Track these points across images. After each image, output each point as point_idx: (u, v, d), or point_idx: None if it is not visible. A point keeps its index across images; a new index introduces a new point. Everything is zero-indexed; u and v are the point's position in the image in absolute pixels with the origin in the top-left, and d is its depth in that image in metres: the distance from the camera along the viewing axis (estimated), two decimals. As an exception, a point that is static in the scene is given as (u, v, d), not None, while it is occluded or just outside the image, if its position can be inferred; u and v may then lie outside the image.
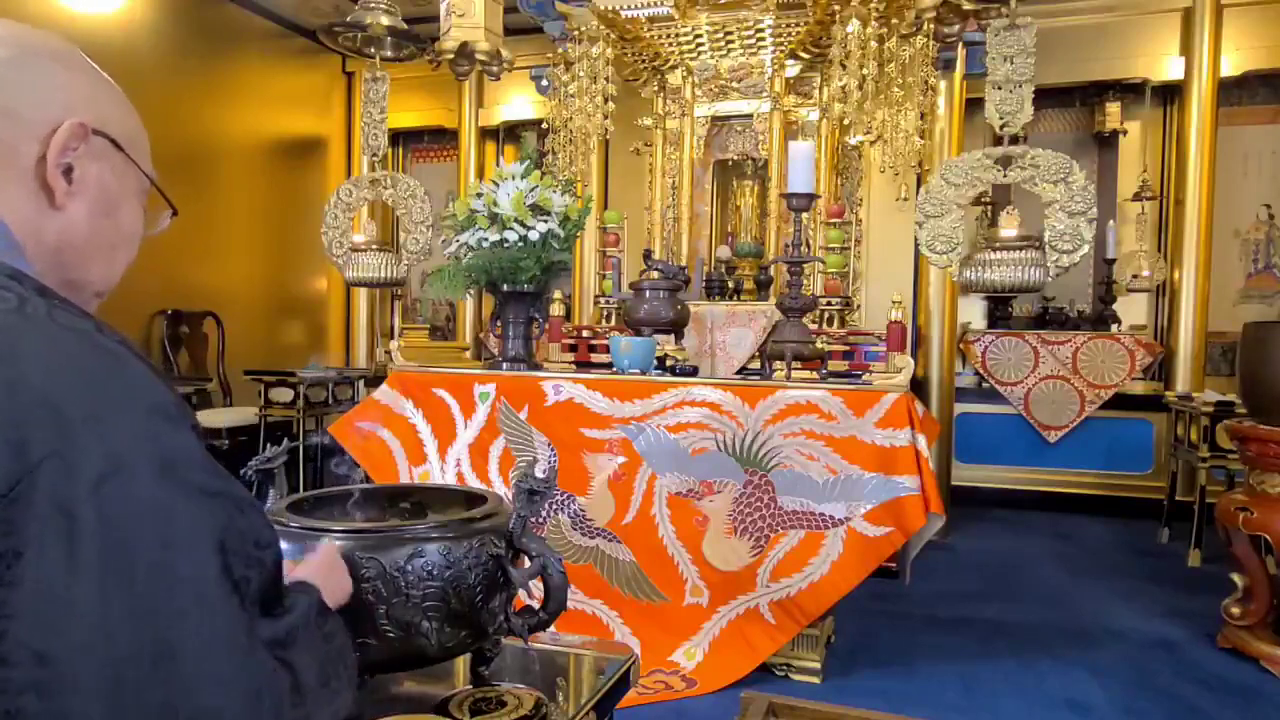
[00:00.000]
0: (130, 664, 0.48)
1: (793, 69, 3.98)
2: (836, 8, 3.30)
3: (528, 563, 1.11)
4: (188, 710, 0.50)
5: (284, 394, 4.55)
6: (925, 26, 3.08)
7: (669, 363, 3.23)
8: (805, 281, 3.38)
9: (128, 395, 0.55)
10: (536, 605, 1.13)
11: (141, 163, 0.80)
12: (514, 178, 2.85)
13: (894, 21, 3.20)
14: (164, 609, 0.50)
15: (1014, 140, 2.79)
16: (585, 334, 3.83)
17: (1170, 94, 5.27)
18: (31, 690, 0.46)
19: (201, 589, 0.52)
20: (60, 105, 0.72)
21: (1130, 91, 5.39)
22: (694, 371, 3.14)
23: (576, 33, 3.70)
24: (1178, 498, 4.39)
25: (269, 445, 1.34)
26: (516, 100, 5.90)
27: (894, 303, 3.14)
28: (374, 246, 3.85)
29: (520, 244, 2.78)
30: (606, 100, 3.65)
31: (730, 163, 4.35)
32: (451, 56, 3.66)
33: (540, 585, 1.11)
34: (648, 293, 3.13)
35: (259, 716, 0.53)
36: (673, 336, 3.26)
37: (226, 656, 0.52)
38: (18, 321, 0.58)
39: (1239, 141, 5.23)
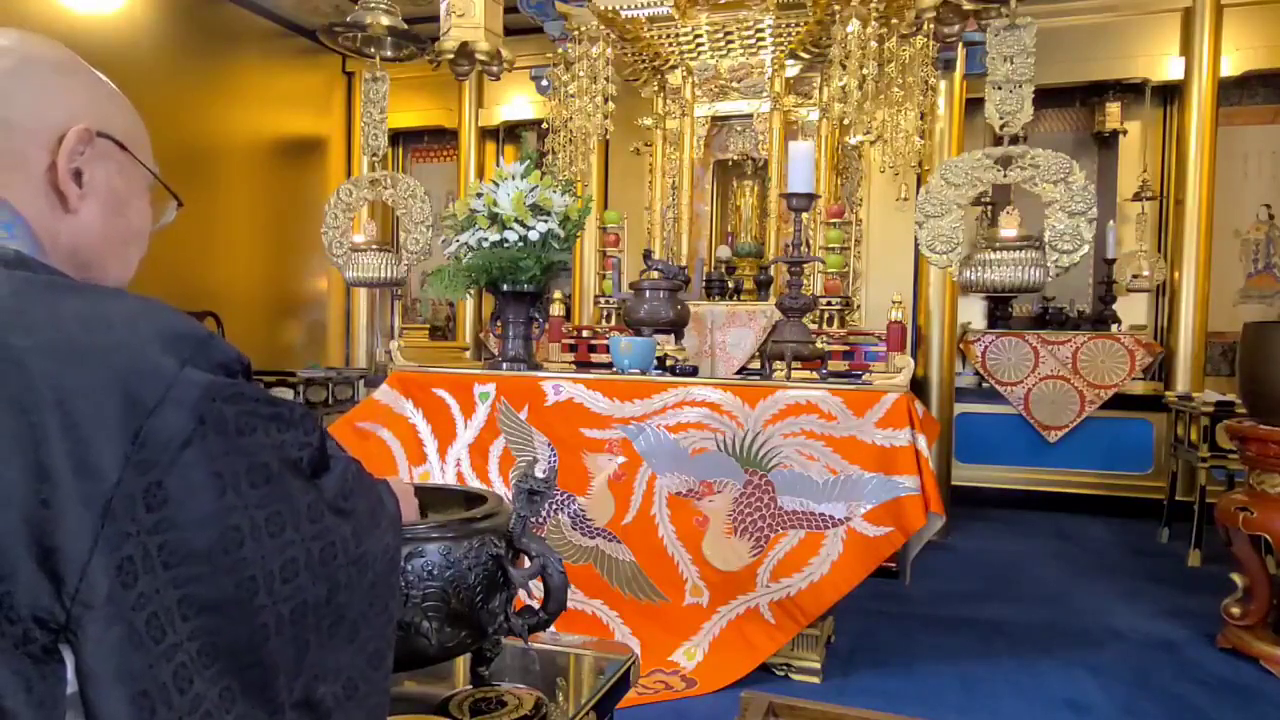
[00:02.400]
0: (254, 540, 0.63)
1: (793, 69, 3.98)
2: (836, 8, 3.30)
3: (528, 563, 1.11)
4: (301, 562, 0.67)
5: (284, 394, 4.55)
6: (925, 26, 3.08)
7: (669, 363, 3.23)
8: (805, 281, 3.38)
9: (208, 343, 0.65)
10: (536, 605, 1.13)
11: (144, 159, 0.83)
12: (514, 178, 2.85)
13: (894, 21, 3.20)
14: (264, 499, 0.64)
15: (1014, 140, 2.79)
16: (585, 334, 3.83)
17: (1170, 94, 5.27)
18: (193, 580, 0.59)
19: (284, 479, 0.67)
20: (64, 111, 0.75)
21: (1130, 91, 5.39)
22: (694, 371, 3.14)
23: (576, 33, 3.70)
24: (1178, 498, 4.39)
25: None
26: (516, 100, 5.90)
27: (894, 303, 3.14)
28: (374, 246, 3.85)
29: (520, 244, 2.78)
30: (606, 100, 3.65)
31: (730, 163, 4.35)
32: (451, 56, 3.65)
33: (540, 585, 1.11)
34: (648, 293, 3.13)
35: (334, 558, 0.71)
36: (673, 336, 3.26)
37: (308, 523, 0.68)
38: (88, 296, 0.65)
39: (1239, 141, 5.23)
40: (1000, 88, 2.79)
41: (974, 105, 4.26)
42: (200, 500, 0.60)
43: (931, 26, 3.06)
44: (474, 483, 2.80)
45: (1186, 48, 4.85)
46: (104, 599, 0.56)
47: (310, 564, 0.68)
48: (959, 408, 4.97)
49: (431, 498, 1.30)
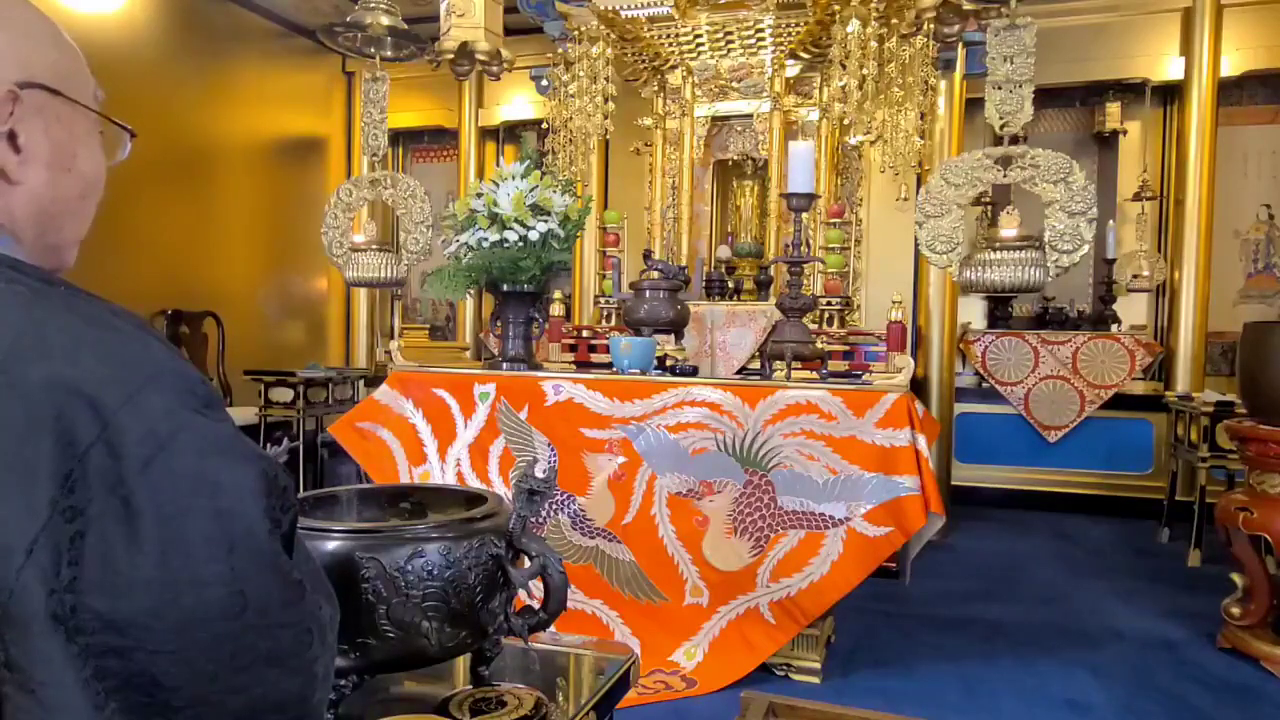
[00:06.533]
0: (198, 625, 0.53)
1: (793, 69, 3.97)
2: (836, 8, 3.29)
3: (528, 563, 1.11)
4: (262, 651, 0.55)
5: (284, 394, 4.55)
6: (925, 26, 3.08)
7: (669, 363, 3.22)
8: (805, 281, 3.38)
9: (156, 377, 0.57)
10: (536, 605, 1.13)
11: (82, 96, 0.72)
12: (514, 178, 2.85)
13: (894, 21, 3.20)
14: (225, 571, 0.54)
15: (1014, 140, 2.79)
16: (585, 334, 3.83)
17: (1170, 94, 5.27)
18: (110, 653, 0.51)
19: (258, 550, 0.56)
20: None
21: (1130, 91, 5.39)
22: (694, 371, 3.14)
23: (576, 33, 3.70)
24: (1178, 498, 4.39)
25: (269, 445, 1.34)
26: (516, 100, 5.90)
27: (894, 303, 3.14)
28: (374, 246, 3.84)
29: (520, 244, 2.78)
30: (606, 100, 3.65)
31: (730, 163, 4.35)
32: (451, 56, 3.65)
33: (540, 585, 1.11)
34: (648, 293, 3.13)
35: (311, 650, 0.59)
36: (673, 336, 3.26)
37: (284, 604, 0.57)
38: (38, 315, 0.58)
39: (1239, 141, 5.23)
40: (1000, 88, 2.79)
41: (974, 105, 4.25)
42: (128, 562, 0.51)
43: (931, 26, 3.06)
44: (474, 483, 2.80)
45: (1186, 48, 4.85)
46: (42, 654, 0.50)
47: (278, 657, 0.56)
48: (959, 408, 4.97)
49: (431, 498, 1.30)
